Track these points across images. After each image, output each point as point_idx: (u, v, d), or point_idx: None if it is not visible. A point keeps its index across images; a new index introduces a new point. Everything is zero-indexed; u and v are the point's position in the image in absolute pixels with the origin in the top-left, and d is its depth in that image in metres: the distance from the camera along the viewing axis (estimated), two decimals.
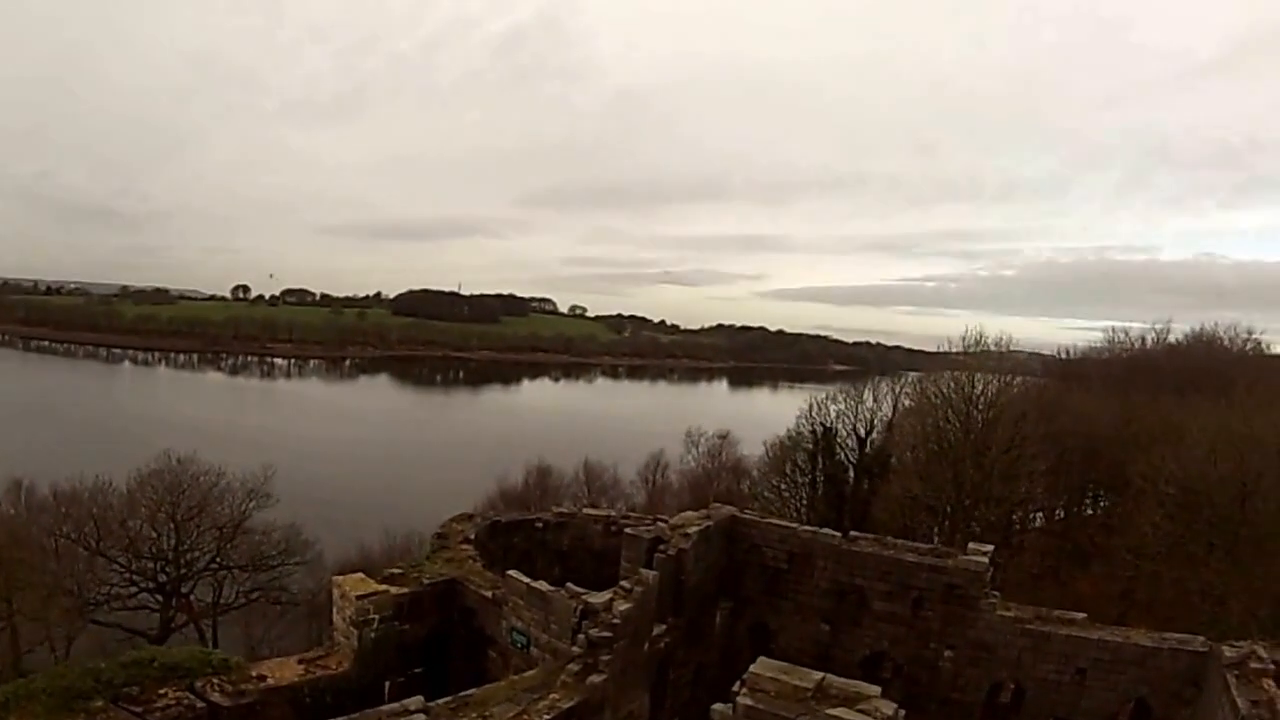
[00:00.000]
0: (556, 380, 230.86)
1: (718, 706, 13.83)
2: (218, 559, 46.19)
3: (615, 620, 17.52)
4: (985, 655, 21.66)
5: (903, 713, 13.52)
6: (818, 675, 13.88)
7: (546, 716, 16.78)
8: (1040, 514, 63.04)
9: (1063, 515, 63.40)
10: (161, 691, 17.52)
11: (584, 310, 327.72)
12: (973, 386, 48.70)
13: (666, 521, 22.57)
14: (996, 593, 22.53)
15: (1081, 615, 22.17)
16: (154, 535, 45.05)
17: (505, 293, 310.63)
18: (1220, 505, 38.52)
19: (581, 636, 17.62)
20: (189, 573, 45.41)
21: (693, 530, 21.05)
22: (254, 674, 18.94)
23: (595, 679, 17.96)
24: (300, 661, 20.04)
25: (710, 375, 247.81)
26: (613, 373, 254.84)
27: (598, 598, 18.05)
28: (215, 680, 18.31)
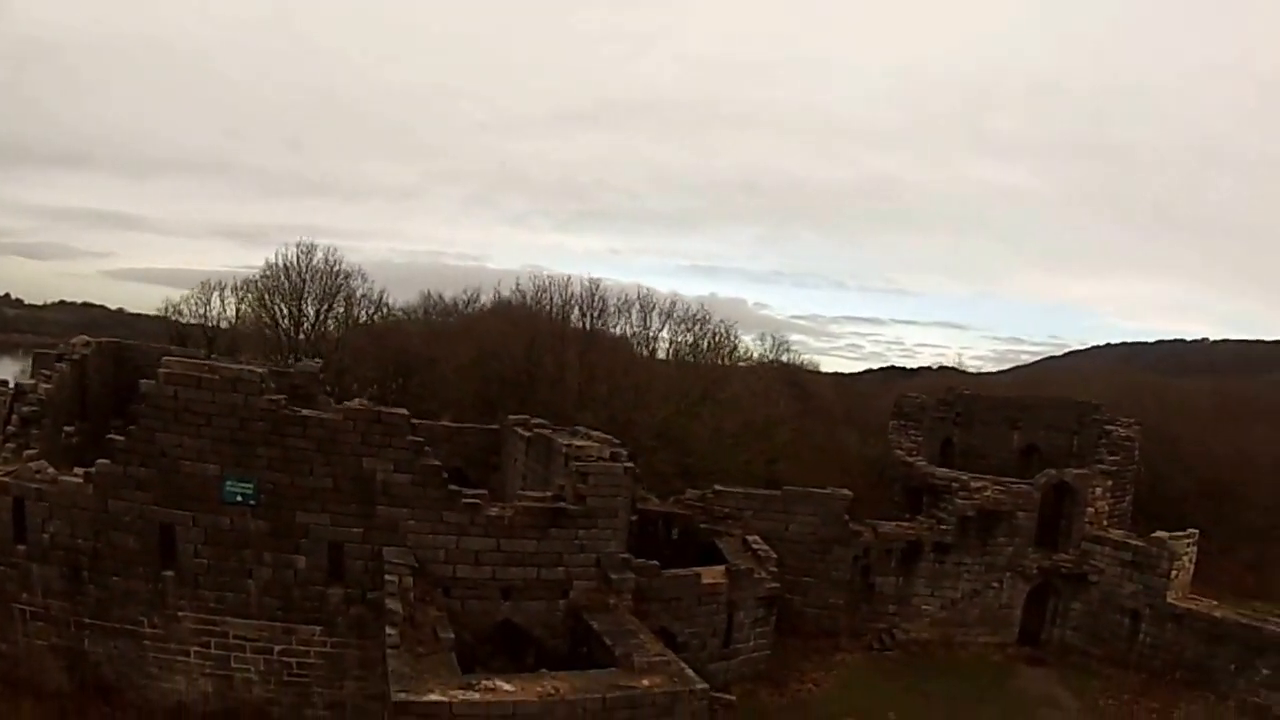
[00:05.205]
0: None
1: (144, 379, 20.52)
2: None
3: (41, 397, 23.36)
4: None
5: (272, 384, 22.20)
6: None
7: None
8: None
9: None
10: None
11: None
12: (304, 282, 59.47)
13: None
14: (330, 396, 28.46)
15: (403, 411, 26.27)
16: None
17: None
18: (514, 365, 54.65)
19: (15, 417, 22.99)
20: None
21: (90, 343, 27.26)
22: None
23: (30, 453, 23.59)
24: None
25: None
26: None
27: (27, 380, 23.64)
28: None
